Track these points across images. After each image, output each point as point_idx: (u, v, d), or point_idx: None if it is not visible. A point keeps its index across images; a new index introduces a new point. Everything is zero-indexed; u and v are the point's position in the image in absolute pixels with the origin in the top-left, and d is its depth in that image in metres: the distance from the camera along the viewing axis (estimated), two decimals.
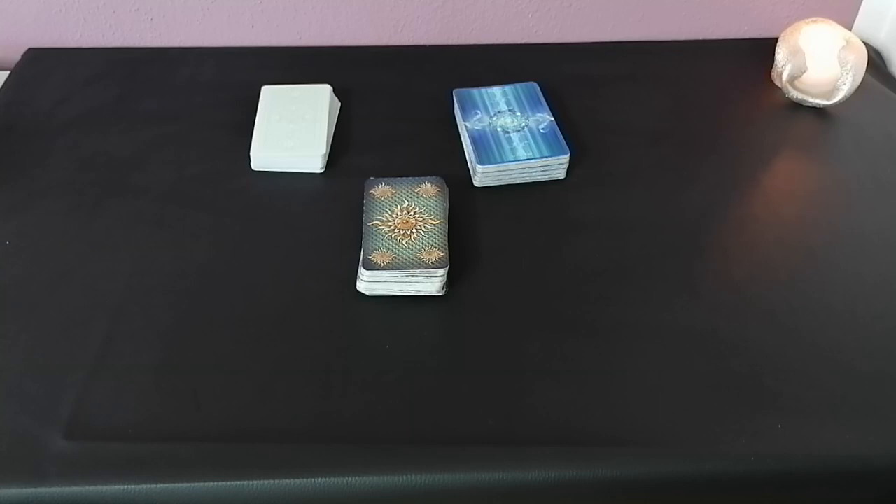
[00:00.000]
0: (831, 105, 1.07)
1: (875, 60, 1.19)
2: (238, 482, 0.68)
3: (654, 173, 0.99)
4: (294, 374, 0.76)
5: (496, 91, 1.07)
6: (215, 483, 0.68)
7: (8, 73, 1.15)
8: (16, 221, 0.91)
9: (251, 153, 0.99)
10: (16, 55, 1.18)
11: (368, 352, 0.78)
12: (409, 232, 0.86)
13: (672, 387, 0.76)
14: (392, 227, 0.87)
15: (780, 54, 1.10)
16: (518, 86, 1.07)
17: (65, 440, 0.70)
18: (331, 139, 1.02)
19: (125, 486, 0.67)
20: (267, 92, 1.07)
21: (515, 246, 0.89)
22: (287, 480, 0.68)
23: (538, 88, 1.07)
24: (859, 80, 1.05)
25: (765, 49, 1.15)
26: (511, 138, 0.99)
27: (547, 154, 0.96)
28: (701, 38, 1.25)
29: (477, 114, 1.03)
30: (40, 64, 1.16)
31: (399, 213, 0.89)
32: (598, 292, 0.84)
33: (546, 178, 0.97)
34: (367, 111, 1.08)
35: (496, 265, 0.87)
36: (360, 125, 1.06)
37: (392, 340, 0.79)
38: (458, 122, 1.05)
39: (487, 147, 0.97)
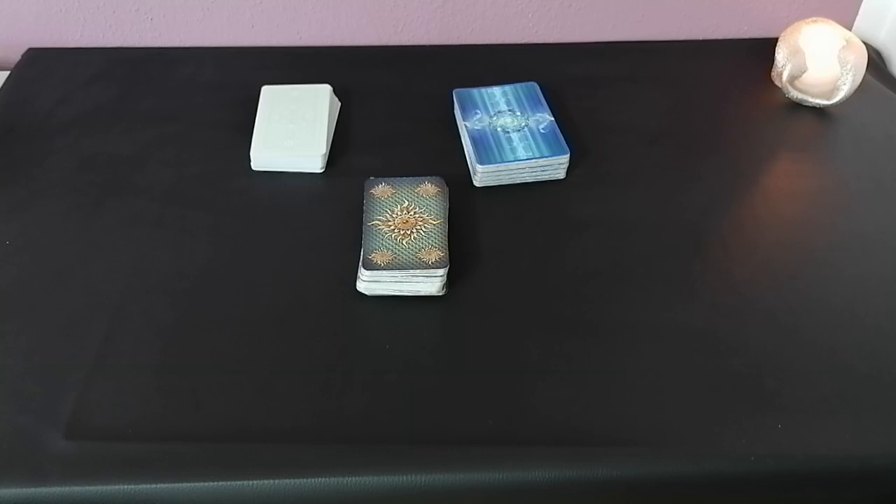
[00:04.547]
0: (831, 105, 1.07)
1: (875, 60, 1.19)
2: (238, 482, 0.68)
3: (654, 173, 0.99)
4: (294, 374, 0.76)
5: (496, 91, 1.07)
6: (215, 483, 0.68)
7: (8, 73, 1.15)
8: (16, 221, 0.91)
9: (251, 153, 0.99)
10: (16, 55, 1.18)
11: (368, 352, 0.78)
12: (409, 232, 0.86)
13: (672, 387, 0.76)
14: (392, 227, 0.87)
15: (780, 54, 1.10)
16: (518, 86, 1.07)
17: (65, 440, 0.70)
18: (331, 139, 1.02)
19: (125, 486, 0.67)
20: (267, 92, 1.07)
21: (515, 246, 0.89)
22: (287, 480, 0.68)
23: (538, 88, 1.07)
24: (859, 80, 1.05)
25: (765, 49, 1.16)
26: (511, 138, 0.99)
27: (547, 154, 0.96)
28: (701, 38, 1.26)
29: (477, 114, 1.03)
30: (40, 64, 1.16)
31: (399, 213, 0.89)
32: (598, 292, 0.84)
33: (546, 178, 0.97)
34: (367, 111, 1.08)
35: (496, 265, 0.87)
36: (360, 125, 1.06)
37: (392, 340, 0.79)
38: (458, 122, 1.05)
39: (487, 147, 0.97)
